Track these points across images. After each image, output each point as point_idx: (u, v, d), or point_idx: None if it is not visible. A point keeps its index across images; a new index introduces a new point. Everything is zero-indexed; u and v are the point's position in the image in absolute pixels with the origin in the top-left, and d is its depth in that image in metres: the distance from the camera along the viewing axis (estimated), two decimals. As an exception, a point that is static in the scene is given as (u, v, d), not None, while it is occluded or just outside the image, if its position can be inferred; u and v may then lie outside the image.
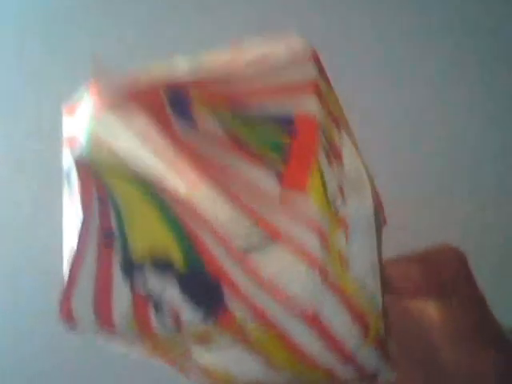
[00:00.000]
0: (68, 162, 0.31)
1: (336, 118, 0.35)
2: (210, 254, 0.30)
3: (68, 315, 0.32)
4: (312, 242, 0.31)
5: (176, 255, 0.30)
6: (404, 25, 1.08)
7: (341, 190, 0.34)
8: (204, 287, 0.31)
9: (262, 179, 0.31)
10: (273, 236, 0.30)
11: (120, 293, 0.31)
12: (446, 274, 0.37)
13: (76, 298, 0.32)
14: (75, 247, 0.31)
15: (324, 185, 0.32)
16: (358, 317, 0.34)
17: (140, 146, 0.29)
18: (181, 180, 0.28)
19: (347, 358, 0.34)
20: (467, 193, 1.06)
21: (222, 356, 0.35)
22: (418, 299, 0.41)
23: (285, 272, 0.30)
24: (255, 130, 0.31)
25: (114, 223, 0.30)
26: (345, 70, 1.09)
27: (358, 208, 0.35)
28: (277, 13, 1.11)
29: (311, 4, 1.10)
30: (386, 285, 0.36)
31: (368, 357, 0.36)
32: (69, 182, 0.33)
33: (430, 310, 0.39)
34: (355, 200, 0.35)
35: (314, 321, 0.32)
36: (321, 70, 0.33)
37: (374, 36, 1.09)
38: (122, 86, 0.29)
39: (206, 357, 0.35)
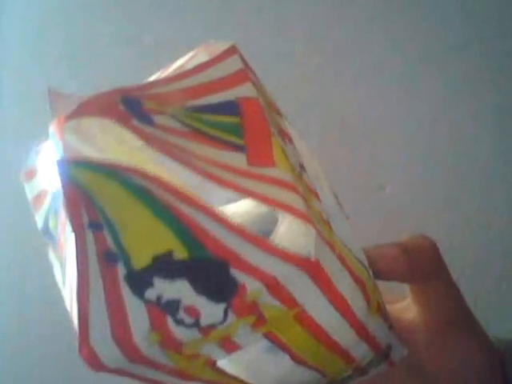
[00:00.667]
0: (41, 215, 0.32)
1: (270, 103, 0.36)
2: (207, 235, 0.30)
3: (91, 357, 0.31)
4: (296, 201, 0.31)
5: (176, 247, 0.30)
6: (421, 40, 1.10)
7: (301, 166, 0.35)
8: (212, 270, 0.30)
9: (228, 157, 0.31)
10: (252, 197, 0.31)
11: (134, 311, 0.30)
12: (424, 260, 0.40)
13: (93, 335, 0.31)
14: (78, 284, 0.30)
15: (286, 155, 0.32)
16: (358, 280, 0.35)
17: (111, 148, 0.29)
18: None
19: (359, 326, 0.34)
20: (475, 207, 1.07)
21: (244, 359, 0.35)
22: (398, 301, 0.43)
23: (284, 233, 0.30)
24: (207, 118, 0.32)
25: (110, 242, 0.30)
26: (360, 81, 1.11)
27: (319, 179, 0.37)
28: (294, 27, 1.13)
29: (330, 16, 1.12)
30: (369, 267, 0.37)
31: (377, 328, 0.36)
32: (49, 235, 0.34)
33: (408, 310, 0.42)
34: (315, 173, 0.37)
35: (318, 271, 0.31)
36: (244, 60, 0.35)
37: (390, 49, 1.11)
38: (76, 102, 0.30)
39: (229, 363, 0.35)
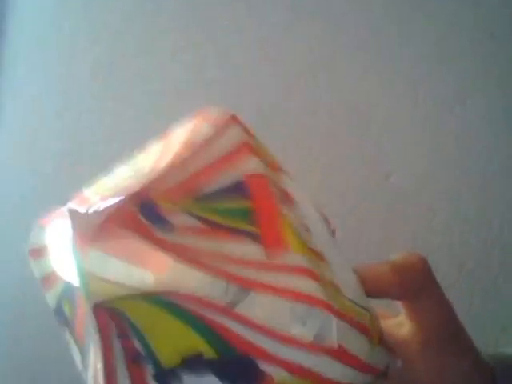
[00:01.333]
0: (53, 297, 0.34)
1: (272, 163, 0.37)
2: (234, 336, 0.31)
3: None
4: (316, 289, 0.33)
5: (205, 349, 0.31)
6: (432, 35, 1.11)
7: (304, 225, 0.36)
8: (240, 366, 0.31)
9: (245, 250, 0.33)
10: (259, 289, 0.32)
11: None
12: (415, 278, 0.40)
13: None
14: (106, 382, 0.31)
15: (295, 231, 0.34)
16: (362, 328, 0.36)
17: (129, 266, 0.30)
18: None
19: (364, 367, 0.36)
20: (477, 201, 1.08)
21: None
22: (390, 317, 0.44)
23: (282, 318, 0.32)
24: (218, 207, 0.33)
25: (139, 347, 0.31)
26: (371, 72, 1.12)
27: (319, 233, 0.38)
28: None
29: (346, 8, 1.13)
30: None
31: (380, 357, 0.38)
32: (63, 318, 0.35)
33: (402, 325, 0.42)
34: (315, 227, 0.38)
35: (339, 352, 0.34)
36: (244, 129, 0.36)
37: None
38: (95, 215, 0.31)
39: None
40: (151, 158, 0.36)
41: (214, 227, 0.33)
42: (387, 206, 1.10)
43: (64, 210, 0.33)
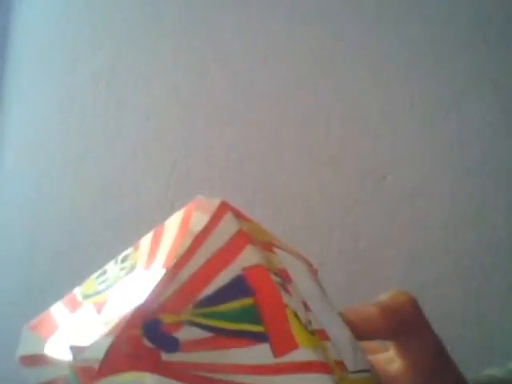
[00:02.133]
0: None
1: (265, 243, 0.36)
2: None
3: None
4: (321, 382, 0.33)
5: None
6: (428, 36, 1.12)
7: (303, 302, 0.35)
8: None
9: (254, 354, 0.32)
10: None
11: None
12: (404, 318, 0.39)
13: None
14: None
15: (301, 323, 0.33)
16: None
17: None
18: None
19: None
20: (473, 203, 1.08)
21: None
22: (380, 349, 0.43)
23: None
24: (221, 310, 0.32)
25: None
26: (367, 74, 1.13)
27: (316, 303, 0.37)
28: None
29: (345, 12, 1.15)
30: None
31: None
32: None
33: (392, 361, 0.42)
34: (311, 297, 0.37)
35: None
36: (237, 214, 0.35)
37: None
38: (98, 349, 0.30)
39: None
40: (143, 256, 0.35)
41: (219, 334, 0.32)
42: (384, 206, 1.11)
43: (63, 343, 0.32)
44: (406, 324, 0.39)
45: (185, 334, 0.32)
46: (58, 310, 0.35)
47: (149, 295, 0.31)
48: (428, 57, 1.11)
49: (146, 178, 1.21)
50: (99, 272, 0.36)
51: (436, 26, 1.11)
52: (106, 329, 0.31)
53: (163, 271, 0.32)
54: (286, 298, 0.33)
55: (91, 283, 0.36)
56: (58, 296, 0.38)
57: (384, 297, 0.40)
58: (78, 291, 0.36)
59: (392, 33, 1.13)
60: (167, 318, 0.31)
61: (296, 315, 0.33)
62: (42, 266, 1.27)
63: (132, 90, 1.23)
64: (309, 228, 1.13)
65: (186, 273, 0.32)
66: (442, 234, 1.09)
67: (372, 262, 1.10)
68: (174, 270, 0.32)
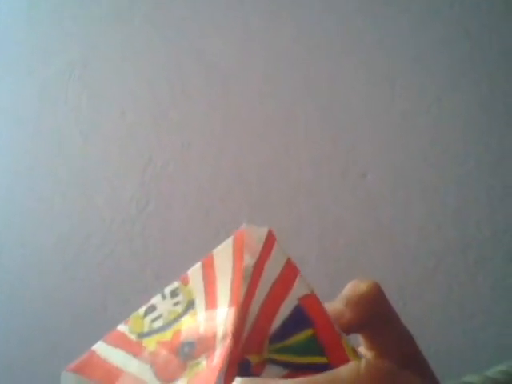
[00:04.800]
0: None
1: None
2: None
3: None
4: None
5: None
6: (407, 34, 1.11)
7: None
8: None
9: None
10: None
11: None
12: (369, 308, 0.40)
13: None
14: None
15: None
16: None
17: None
18: None
19: None
20: (453, 198, 1.08)
21: None
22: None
23: None
24: (290, 346, 0.34)
25: None
26: (345, 72, 1.12)
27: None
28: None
29: (325, 10, 1.14)
30: None
31: None
32: None
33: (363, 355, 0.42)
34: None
35: None
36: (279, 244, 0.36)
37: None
38: None
39: None
40: (199, 291, 0.35)
41: (294, 369, 0.33)
42: (364, 204, 1.11)
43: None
44: (370, 315, 0.40)
45: (268, 373, 0.33)
46: (107, 351, 0.35)
47: (232, 334, 0.32)
48: (409, 51, 1.10)
49: (121, 174, 1.20)
50: (146, 308, 0.36)
51: (417, 21, 1.10)
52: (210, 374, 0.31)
53: (234, 309, 0.33)
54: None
55: (139, 321, 0.35)
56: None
57: (346, 289, 0.40)
58: (124, 329, 0.35)
59: (372, 27, 1.12)
60: (253, 358, 0.32)
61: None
62: (11, 266, 1.26)
63: (106, 84, 1.21)
64: (288, 226, 1.12)
65: (255, 308, 0.33)
66: (424, 231, 1.08)
67: (352, 261, 1.10)
68: (245, 307, 0.33)
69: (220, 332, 0.33)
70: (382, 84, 1.11)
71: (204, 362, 0.32)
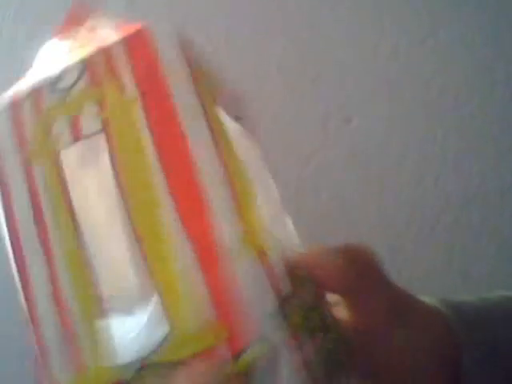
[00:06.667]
0: None
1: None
2: None
3: None
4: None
5: None
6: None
7: None
8: None
9: None
10: None
11: None
12: (357, 272, 0.41)
13: None
14: None
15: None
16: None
17: None
18: None
19: None
20: (451, 144, 1.01)
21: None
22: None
23: None
24: None
25: None
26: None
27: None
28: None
29: None
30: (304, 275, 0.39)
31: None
32: None
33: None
34: None
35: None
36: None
37: None
38: None
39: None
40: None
41: None
42: (349, 154, 1.03)
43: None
44: (357, 280, 0.41)
45: None
46: None
47: None
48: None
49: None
50: None
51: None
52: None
53: None
54: None
55: None
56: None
57: (343, 247, 0.42)
58: None
59: None
60: None
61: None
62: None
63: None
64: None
65: None
66: (420, 186, 1.02)
67: (336, 220, 1.03)
68: None
69: None
70: (369, 14, 1.03)
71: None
